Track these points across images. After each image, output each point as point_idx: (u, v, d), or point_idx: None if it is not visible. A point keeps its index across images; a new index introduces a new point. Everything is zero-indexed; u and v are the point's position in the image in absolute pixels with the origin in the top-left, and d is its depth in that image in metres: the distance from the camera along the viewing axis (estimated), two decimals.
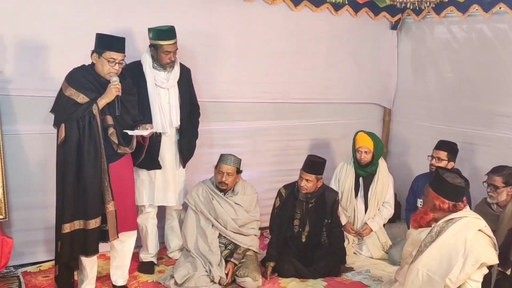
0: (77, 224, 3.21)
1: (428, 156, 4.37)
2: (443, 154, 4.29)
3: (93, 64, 3.27)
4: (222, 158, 3.95)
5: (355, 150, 4.56)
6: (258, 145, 4.91)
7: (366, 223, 4.56)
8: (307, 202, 4.11)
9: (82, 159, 3.15)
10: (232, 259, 3.91)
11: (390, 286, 3.39)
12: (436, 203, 3.14)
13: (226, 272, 3.81)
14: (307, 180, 4.03)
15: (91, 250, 3.28)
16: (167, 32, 3.70)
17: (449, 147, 4.34)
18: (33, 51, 3.70)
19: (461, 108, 4.85)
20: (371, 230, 4.54)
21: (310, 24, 4.88)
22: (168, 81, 3.81)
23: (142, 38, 3.93)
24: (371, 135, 4.59)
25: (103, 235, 3.31)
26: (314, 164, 4.07)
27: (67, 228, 3.19)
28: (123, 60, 3.29)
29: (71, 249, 3.24)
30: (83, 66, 3.29)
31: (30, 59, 3.71)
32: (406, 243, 3.38)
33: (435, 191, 3.17)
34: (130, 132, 3.32)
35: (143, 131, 3.36)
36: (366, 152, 4.50)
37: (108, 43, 3.23)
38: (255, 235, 4.05)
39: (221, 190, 3.95)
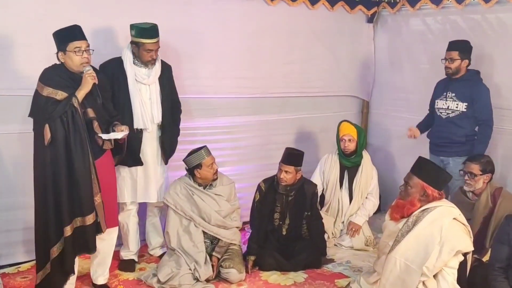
0: (77, 222, 3.19)
1: (441, 59, 4.23)
2: (454, 54, 4.13)
3: (62, 63, 3.23)
4: None
5: (339, 140, 4.58)
6: (238, 141, 4.91)
7: (350, 222, 4.58)
8: (286, 195, 4.13)
9: (71, 156, 3.12)
10: (214, 253, 3.89)
11: (369, 276, 3.42)
12: (428, 192, 3.16)
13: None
14: (286, 171, 4.06)
15: (93, 246, 3.28)
16: (150, 31, 3.67)
17: (459, 46, 4.15)
18: (4, 50, 3.64)
19: None
20: (360, 227, 4.56)
21: (287, 19, 4.89)
22: (149, 78, 3.79)
23: (122, 35, 3.91)
24: (353, 124, 4.66)
25: (97, 229, 3.30)
26: (293, 156, 4.09)
27: (68, 230, 3.16)
28: (88, 47, 3.23)
29: (74, 249, 3.23)
30: (55, 65, 3.25)
31: (1, 58, 3.65)
32: (383, 234, 3.42)
33: (425, 180, 3.17)
34: (104, 136, 3.28)
35: (118, 134, 3.31)
36: (350, 140, 4.52)
37: (66, 35, 3.18)
38: (236, 227, 4.05)
39: (200, 184, 3.94)
